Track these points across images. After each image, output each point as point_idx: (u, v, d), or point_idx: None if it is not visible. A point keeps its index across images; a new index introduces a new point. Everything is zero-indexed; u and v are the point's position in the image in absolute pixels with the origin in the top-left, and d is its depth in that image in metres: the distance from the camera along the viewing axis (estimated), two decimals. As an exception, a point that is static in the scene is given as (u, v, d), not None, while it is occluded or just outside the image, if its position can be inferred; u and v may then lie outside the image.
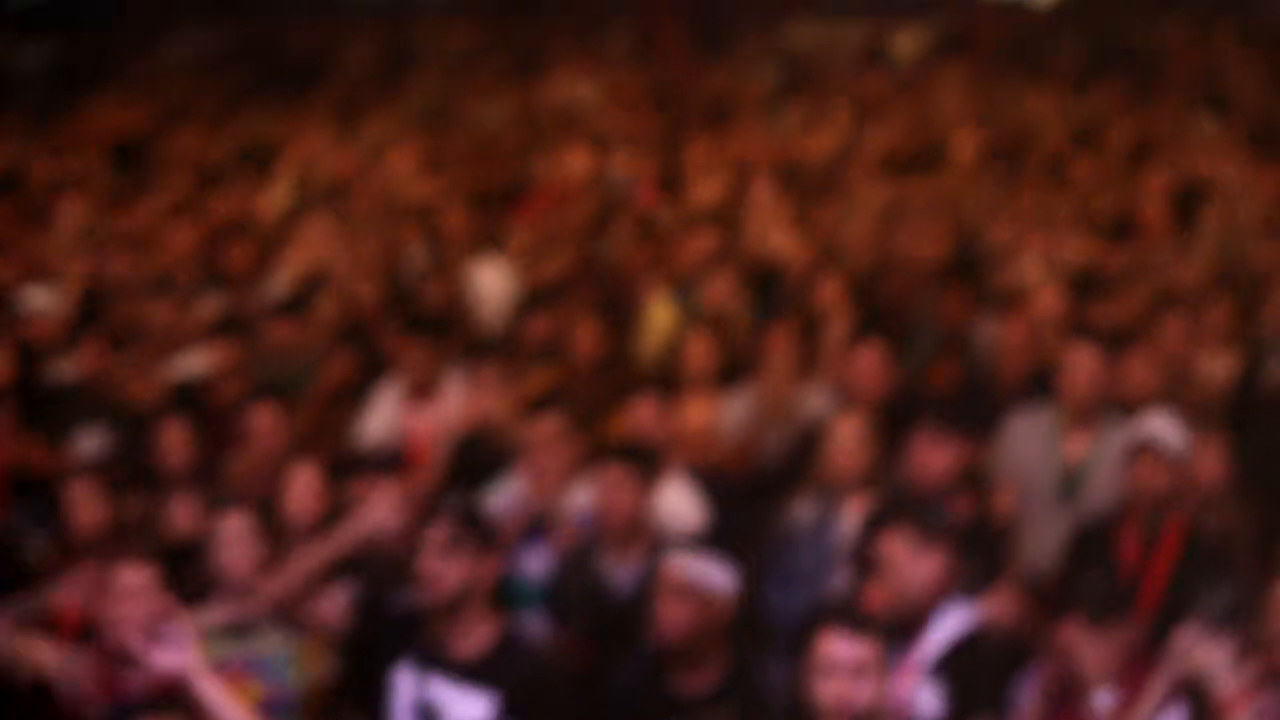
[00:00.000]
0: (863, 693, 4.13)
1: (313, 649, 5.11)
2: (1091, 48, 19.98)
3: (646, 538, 5.42)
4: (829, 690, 4.14)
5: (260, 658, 5.05)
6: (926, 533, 4.71)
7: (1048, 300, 7.48)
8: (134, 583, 4.83)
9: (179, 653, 4.40)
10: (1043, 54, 18.27)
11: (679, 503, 5.82)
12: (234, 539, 5.09)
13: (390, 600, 5.16)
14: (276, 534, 5.20)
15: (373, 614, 5.15)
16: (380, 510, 5.17)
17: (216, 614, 5.05)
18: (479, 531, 4.72)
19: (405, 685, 4.71)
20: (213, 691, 4.41)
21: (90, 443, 7.03)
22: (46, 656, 5.33)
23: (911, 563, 4.67)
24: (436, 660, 4.71)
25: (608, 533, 5.45)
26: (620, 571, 5.42)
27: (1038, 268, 7.78)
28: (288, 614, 5.10)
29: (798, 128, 12.92)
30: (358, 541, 5.17)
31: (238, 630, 5.07)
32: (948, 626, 4.76)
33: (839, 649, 4.15)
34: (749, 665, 4.80)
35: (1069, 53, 19.01)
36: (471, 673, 4.67)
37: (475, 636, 4.71)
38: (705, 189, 10.89)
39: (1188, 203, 9.26)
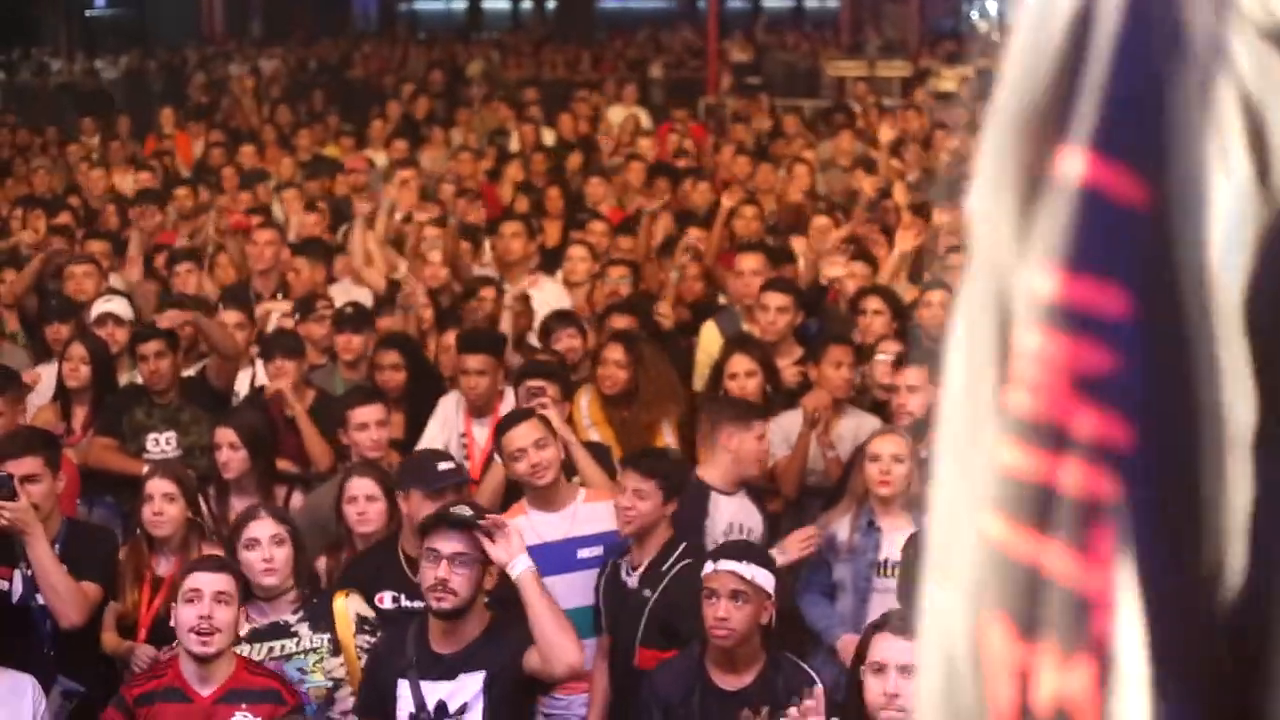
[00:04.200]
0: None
1: (344, 646, 5.22)
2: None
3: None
4: (879, 688, 4.22)
5: (285, 659, 5.20)
6: None
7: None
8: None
9: None
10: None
11: (745, 514, 5.91)
12: (266, 543, 5.24)
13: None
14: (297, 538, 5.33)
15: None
16: None
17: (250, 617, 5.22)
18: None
19: (404, 695, 4.88)
20: None
21: (159, 446, 7.27)
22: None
23: None
24: (431, 666, 4.90)
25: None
26: None
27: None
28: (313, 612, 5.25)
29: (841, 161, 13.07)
30: None
31: (266, 633, 5.23)
32: None
33: (890, 649, 4.20)
34: (784, 665, 4.94)
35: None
36: (462, 662, 4.88)
37: (466, 634, 4.92)
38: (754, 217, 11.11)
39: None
